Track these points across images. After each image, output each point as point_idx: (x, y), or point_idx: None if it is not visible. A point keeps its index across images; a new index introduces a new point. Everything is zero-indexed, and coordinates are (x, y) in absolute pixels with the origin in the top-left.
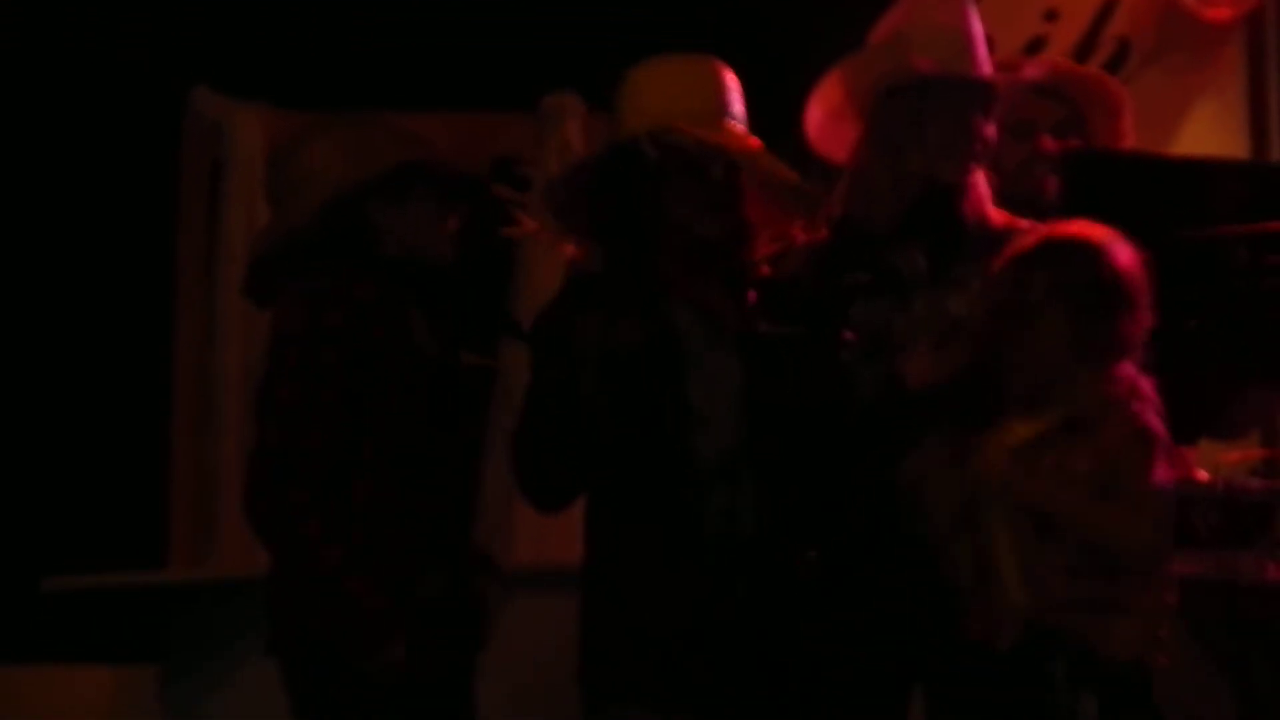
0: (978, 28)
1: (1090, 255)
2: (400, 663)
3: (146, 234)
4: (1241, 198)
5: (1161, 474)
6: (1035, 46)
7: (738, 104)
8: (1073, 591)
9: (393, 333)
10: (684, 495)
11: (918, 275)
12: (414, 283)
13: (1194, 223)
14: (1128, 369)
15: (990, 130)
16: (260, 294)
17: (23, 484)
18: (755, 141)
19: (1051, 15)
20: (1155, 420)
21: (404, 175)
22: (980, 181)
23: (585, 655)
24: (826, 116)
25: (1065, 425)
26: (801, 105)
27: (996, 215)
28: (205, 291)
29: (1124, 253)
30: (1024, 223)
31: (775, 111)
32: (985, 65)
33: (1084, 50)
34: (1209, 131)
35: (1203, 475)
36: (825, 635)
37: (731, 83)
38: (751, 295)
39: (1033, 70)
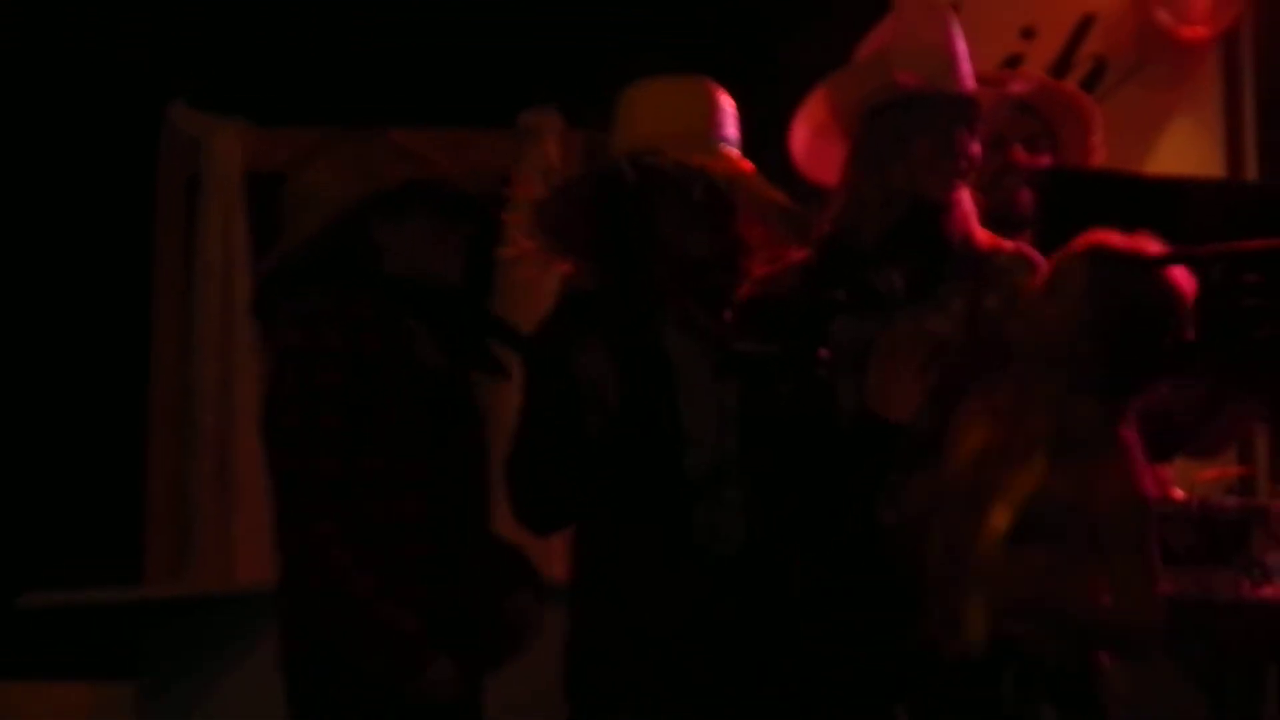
0: (961, 45)
1: (1135, 271)
2: (447, 683)
3: (124, 250)
4: (1217, 216)
5: (1153, 547)
6: (1012, 64)
7: (730, 126)
8: (1030, 596)
9: (392, 348)
10: (671, 512)
11: (894, 294)
12: (416, 299)
13: (1171, 240)
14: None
15: (975, 147)
16: (267, 313)
17: None
18: (745, 164)
19: (1028, 33)
20: (1148, 478)
21: (406, 193)
22: (965, 200)
23: (573, 663)
24: (812, 135)
25: (1051, 445)
26: (784, 125)
27: (982, 235)
28: (182, 307)
29: (1175, 280)
30: (1008, 243)
31: (754, 132)
32: (969, 81)
33: (1060, 68)
34: (1185, 150)
35: (1178, 493)
36: (824, 636)
37: (725, 104)
38: (728, 314)
39: (1017, 86)
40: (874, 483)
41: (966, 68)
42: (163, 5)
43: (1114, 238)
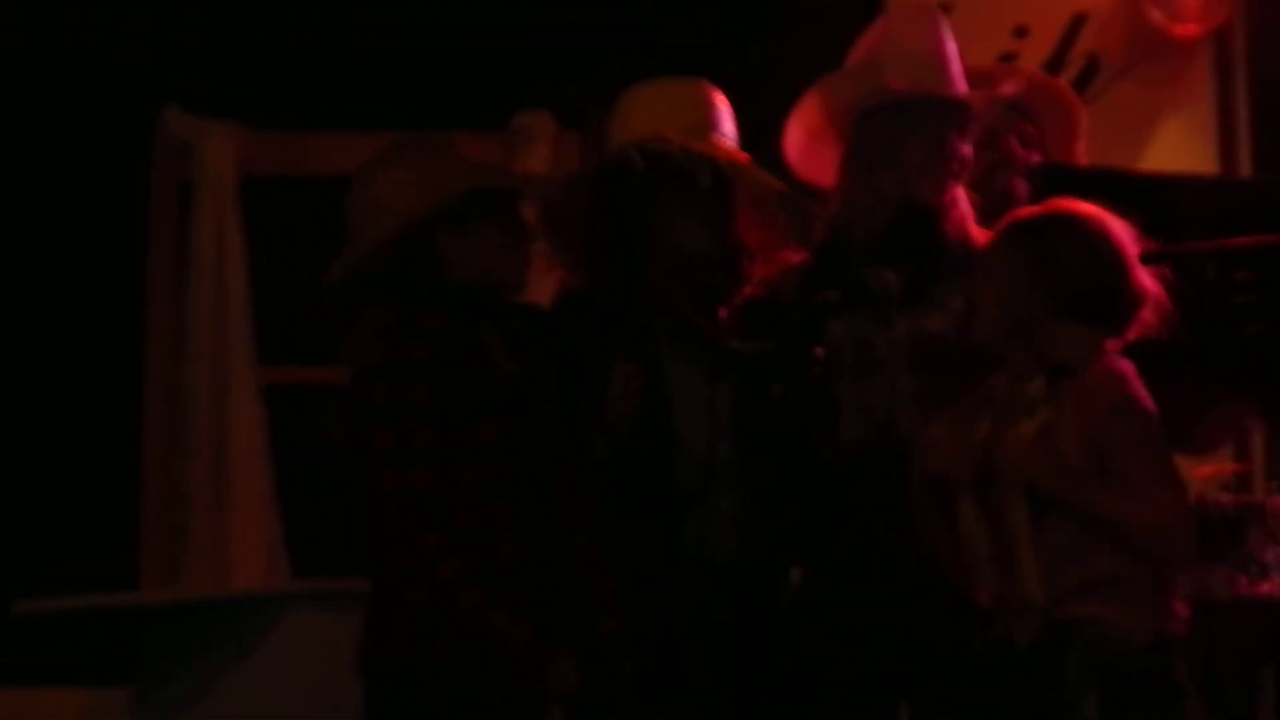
0: (951, 48)
1: (1073, 229)
2: (568, 680)
3: (116, 253)
4: (1210, 213)
5: (1160, 447)
6: (1005, 62)
7: (727, 122)
8: (1082, 576)
9: (470, 358)
10: (664, 518)
11: (888, 293)
12: (484, 307)
13: (1163, 237)
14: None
15: (966, 149)
16: (339, 322)
17: None
18: (744, 156)
19: (1021, 31)
20: (1142, 391)
21: (471, 203)
22: (962, 200)
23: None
24: (806, 138)
25: (1050, 379)
26: (776, 128)
27: (979, 235)
28: (176, 311)
29: (1117, 231)
30: None
31: (747, 135)
32: (959, 84)
33: (1053, 66)
34: (1178, 147)
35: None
36: (823, 636)
37: (721, 103)
38: (722, 313)
39: (1008, 86)
40: (873, 487)
41: (957, 70)
42: (156, 8)
43: (1036, 209)
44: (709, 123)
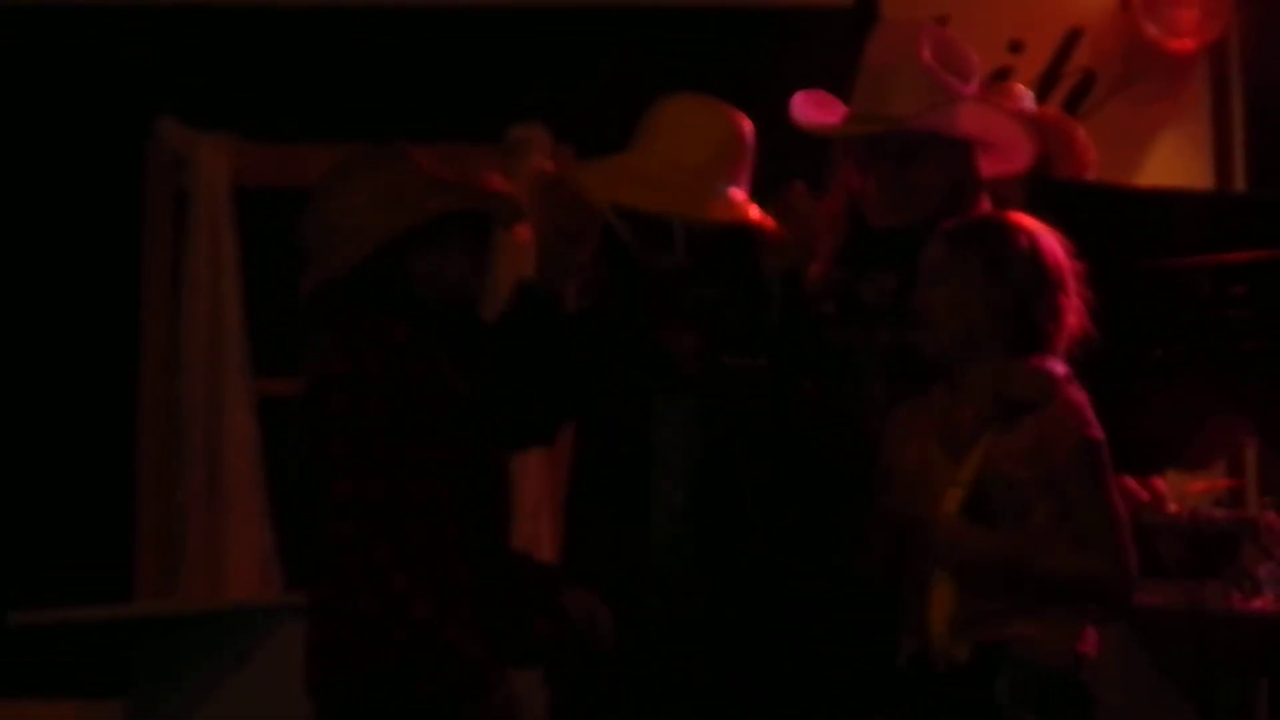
0: (918, 69)
1: (1009, 233)
2: (504, 706)
3: (111, 265)
4: (1206, 228)
5: (1114, 491)
6: (1000, 78)
7: (749, 156)
8: (1007, 601)
9: (427, 374)
10: (643, 536)
11: (884, 303)
12: (441, 321)
13: (1159, 253)
14: (1059, 366)
15: (924, 176)
16: (304, 339)
17: None
18: (744, 210)
19: (1016, 46)
20: (1096, 424)
21: (442, 221)
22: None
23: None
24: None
25: (999, 410)
26: (766, 138)
27: None
28: (170, 322)
29: (1050, 241)
30: None
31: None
32: (902, 106)
33: (1048, 81)
34: (1173, 161)
35: (1172, 507)
36: (809, 640)
37: (747, 133)
38: (719, 324)
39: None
40: (862, 494)
41: (920, 92)
42: (151, 20)
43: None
44: (730, 157)
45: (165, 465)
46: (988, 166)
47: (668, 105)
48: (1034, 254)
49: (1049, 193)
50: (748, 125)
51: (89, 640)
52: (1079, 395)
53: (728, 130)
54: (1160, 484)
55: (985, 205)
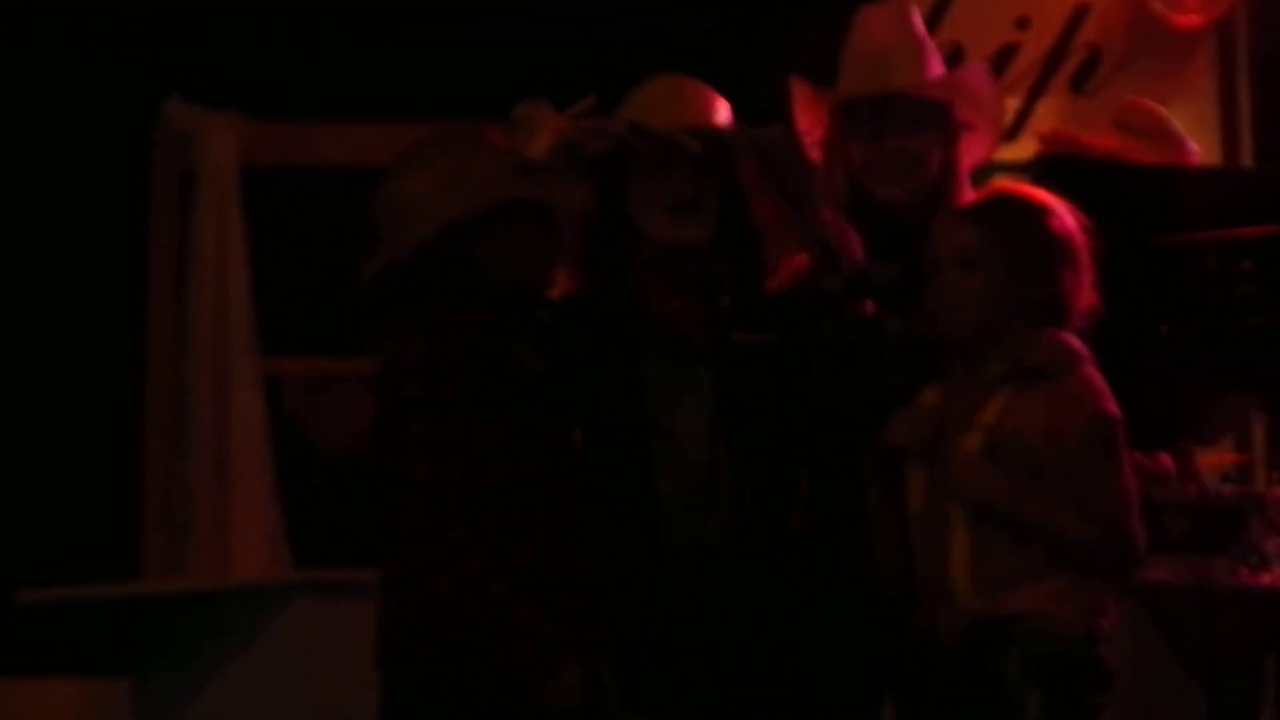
0: (913, 45)
1: (1031, 212)
2: (576, 687)
3: (117, 246)
4: (1213, 203)
5: (1124, 464)
6: (1007, 54)
7: (725, 116)
8: (1017, 566)
9: (503, 356)
10: (652, 516)
11: (890, 282)
12: (516, 306)
13: (1166, 229)
14: (1077, 342)
15: (917, 144)
16: (370, 323)
17: None
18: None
19: (1023, 23)
20: (1113, 401)
21: (509, 205)
22: (957, 198)
23: None
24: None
25: (1018, 374)
26: (772, 119)
27: None
28: (177, 302)
29: (1066, 216)
30: None
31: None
32: (917, 83)
33: (1055, 57)
34: None
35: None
36: (813, 630)
37: (707, 99)
38: (727, 301)
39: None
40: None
41: (919, 66)
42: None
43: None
44: (705, 116)
45: (172, 445)
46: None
47: (632, 92)
48: (1059, 232)
49: (1056, 169)
50: (715, 93)
51: (96, 618)
52: (1096, 373)
53: (698, 93)
54: (1167, 460)
55: (968, 190)
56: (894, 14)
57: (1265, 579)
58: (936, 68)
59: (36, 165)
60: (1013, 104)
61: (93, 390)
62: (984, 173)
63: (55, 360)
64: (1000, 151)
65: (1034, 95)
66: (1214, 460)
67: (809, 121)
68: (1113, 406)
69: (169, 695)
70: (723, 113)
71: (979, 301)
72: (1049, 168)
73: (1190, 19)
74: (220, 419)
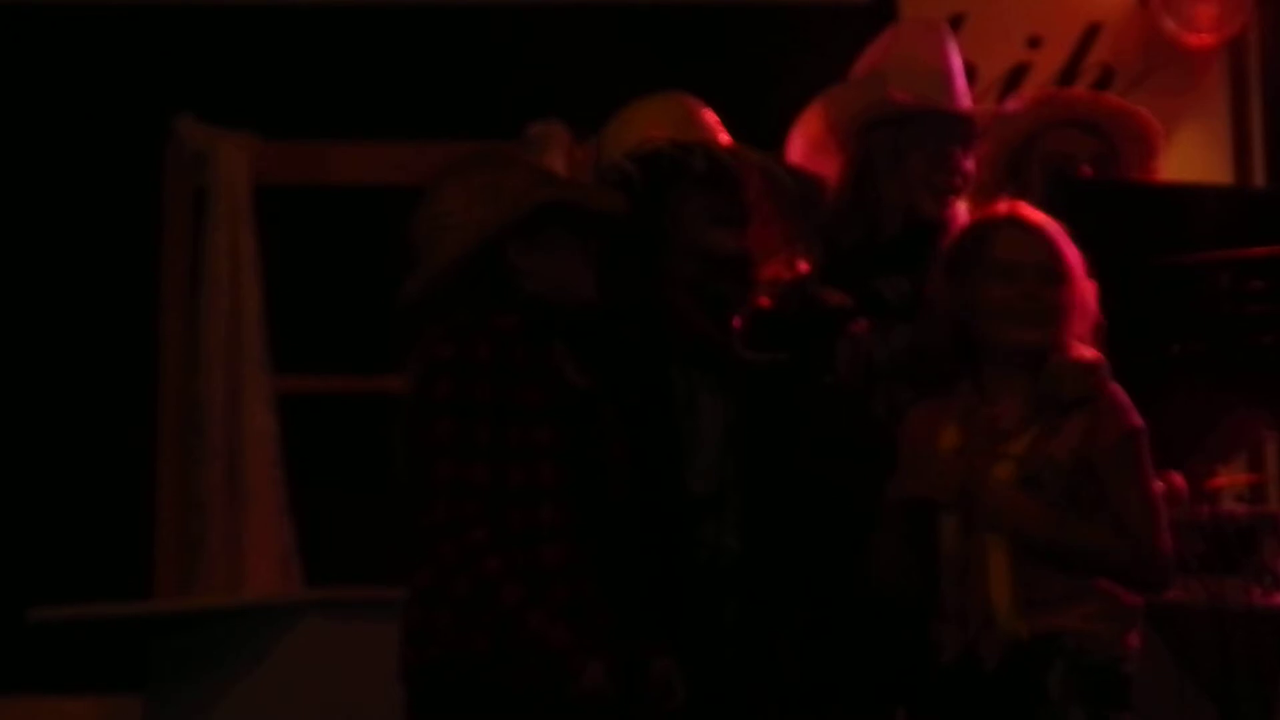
0: (956, 62)
1: (1029, 236)
2: (600, 686)
3: (130, 262)
4: (1225, 222)
5: (1152, 480)
6: (1018, 73)
7: (714, 132)
8: (1060, 588)
9: (537, 363)
10: (672, 529)
11: (902, 301)
12: (557, 319)
13: (1177, 247)
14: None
15: (969, 163)
16: (409, 336)
17: (7, 513)
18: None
19: (1035, 42)
20: (1136, 413)
21: (541, 216)
22: (963, 216)
23: None
24: (808, 150)
25: (1057, 406)
26: (776, 140)
27: None
28: (190, 320)
29: (1059, 234)
30: None
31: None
32: (964, 99)
33: (1067, 77)
34: (1192, 157)
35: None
36: (826, 638)
37: (709, 118)
38: (736, 322)
39: (1012, 103)
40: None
41: (962, 85)
42: (170, 18)
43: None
44: (696, 129)
45: (185, 462)
46: None
47: (620, 112)
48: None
49: (1067, 188)
50: (703, 107)
51: (108, 636)
52: (1116, 385)
53: (687, 110)
54: (1179, 479)
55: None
56: (942, 34)
57: (1278, 599)
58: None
59: (51, 182)
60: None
61: (105, 407)
62: None
63: (68, 377)
64: None
65: None
66: (1227, 480)
67: (816, 131)
68: (1138, 419)
69: (180, 712)
70: (712, 125)
71: (1064, 313)
72: (1064, 188)
73: (1202, 38)
74: (232, 436)
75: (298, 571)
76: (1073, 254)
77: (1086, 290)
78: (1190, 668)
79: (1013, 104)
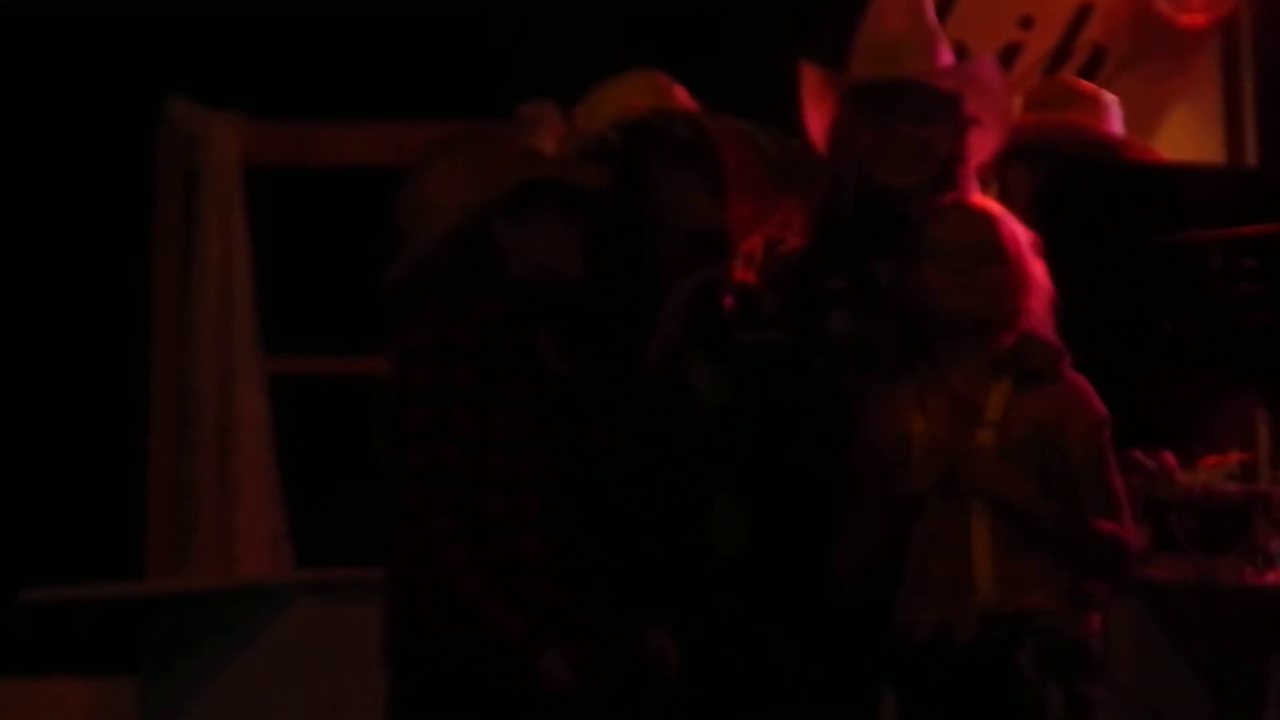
0: (928, 33)
1: (965, 218)
2: (559, 677)
3: (121, 246)
4: (1217, 202)
5: (1116, 469)
6: (1010, 53)
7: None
8: (1033, 567)
9: (519, 348)
10: (670, 513)
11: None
12: (542, 300)
13: (1169, 227)
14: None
15: (931, 133)
16: (395, 316)
17: None
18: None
19: (1027, 22)
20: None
21: (524, 194)
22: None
23: None
24: (821, 115)
25: (1018, 375)
26: (776, 118)
27: None
28: (181, 302)
29: (1010, 222)
30: None
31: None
32: (931, 70)
33: (1059, 57)
34: (1185, 136)
35: (1184, 477)
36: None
37: (682, 94)
38: (729, 300)
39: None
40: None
41: (932, 56)
42: (161, 1)
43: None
44: (672, 104)
45: (176, 444)
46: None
47: (591, 92)
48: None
49: (1058, 168)
50: (674, 84)
51: (101, 618)
52: (1080, 377)
53: (659, 85)
54: (1170, 458)
55: (974, 185)
56: (909, 3)
57: (1271, 578)
58: (948, 59)
59: (41, 165)
60: (1016, 103)
61: (97, 390)
62: None
63: (59, 360)
64: None
65: None
66: (1219, 459)
67: (816, 107)
68: (1103, 407)
69: (173, 694)
70: (684, 100)
71: (994, 289)
72: (1051, 168)
73: (1194, 18)
74: (224, 418)
75: (289, 553)
76: (1016, 234)
77: (1035, 269)
78: (1183, 646)
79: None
